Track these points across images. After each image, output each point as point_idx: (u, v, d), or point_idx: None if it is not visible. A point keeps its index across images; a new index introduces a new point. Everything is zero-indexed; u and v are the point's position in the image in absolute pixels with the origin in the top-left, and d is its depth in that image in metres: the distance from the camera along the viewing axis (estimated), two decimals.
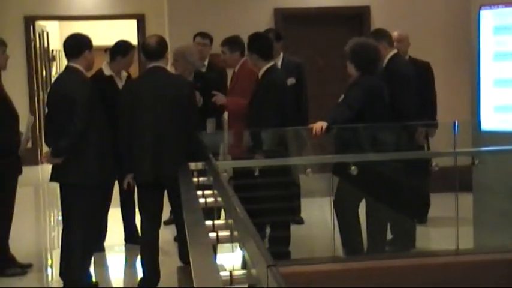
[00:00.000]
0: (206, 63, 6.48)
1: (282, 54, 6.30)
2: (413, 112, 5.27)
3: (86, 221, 4.56)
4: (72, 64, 4.61)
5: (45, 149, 5.45)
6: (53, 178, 4.63)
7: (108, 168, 4.67)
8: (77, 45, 4.65)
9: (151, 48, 4.71)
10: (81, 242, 4.56)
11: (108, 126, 4.65)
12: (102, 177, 4.62)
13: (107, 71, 5.66)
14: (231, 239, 2.50)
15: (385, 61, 5.37)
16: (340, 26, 7.86)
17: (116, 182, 5.27)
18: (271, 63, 5.25)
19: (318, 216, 5.72)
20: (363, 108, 4.67)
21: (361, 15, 7.87)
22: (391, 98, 4.98)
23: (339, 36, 7.69)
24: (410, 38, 6.26)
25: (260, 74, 5.24)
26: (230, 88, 5.90)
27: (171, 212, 6.48)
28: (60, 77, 4.85)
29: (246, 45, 5.42)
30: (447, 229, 5.04)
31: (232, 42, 5.76)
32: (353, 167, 4.57)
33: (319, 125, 4.64)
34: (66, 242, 4.72)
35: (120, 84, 5.63)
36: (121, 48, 5.68)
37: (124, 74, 5.81)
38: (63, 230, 4.79)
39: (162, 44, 4.75)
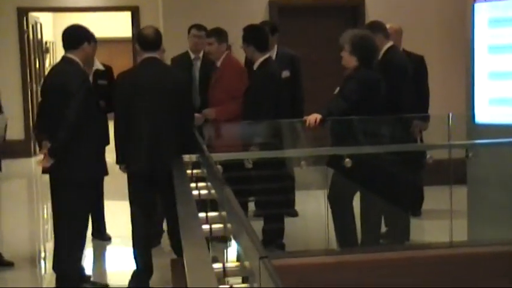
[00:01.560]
0: (201, 55, 6.46)
1: (276, 47, 6.28)
2: (412, 103, 5.28)
3: (76, 215, 4.52)
4: (69, 55, 4.54)
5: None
6: (44, 170, 4.60)
7: (100, 163, 4.65)
8: (76, 36, 4.58)
9: (150, 39, 4.65)
10: (71, 235, 4.53)
11: (102, 121, 4.64)
12: (93, 172, 4.60)
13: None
14: (224, 232, 2.49)
15: (381, 53, 5.36)
16: (335, 19, 7.84)
17: None
18: (266, 55, 5.25)
19: (312, 209, 5.72)
20: (359, 101, 4.67)
21: (356, 8, 7.85)
22: (388, 90, 4.97)
23: (334, 29, 7.65)
24: (405, 31, 6.23)
25: (256, 65, 5.23)
26: (213, 82, 5.74)
27: None
28: (56, 67, 4.78)
29: (242, 37, 5.38)
30: (441, 222, 5.05)
31: (220, 33, 5.68)
32: (347, 160, 4.56)
33: (314, 117, 4.64)
34: (56, 235, 4.70)
35: None
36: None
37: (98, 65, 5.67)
38: (54, 223, 4.76)
39: (158, 34, 4.73)
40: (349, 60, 4.76)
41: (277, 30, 6.32)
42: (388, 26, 5.88)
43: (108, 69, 5.79)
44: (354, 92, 4.67)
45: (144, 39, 4.66)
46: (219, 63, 5.63)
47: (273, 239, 5.25)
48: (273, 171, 5.17)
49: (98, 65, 5.64)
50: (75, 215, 4.51)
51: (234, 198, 2.22)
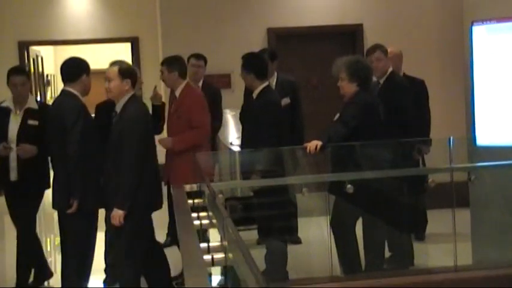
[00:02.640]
0: (200, 84, 6.48)
1: (276, 74, 6.31)
2: (417, 124, 5.31)
3: (82, 244, 4.53)
4: (67, 88, 4.58)
5: None
6: (54, 205, 4.63)
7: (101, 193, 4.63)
8: (74, 69, 4.61)
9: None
10: (79, 264, 4.54)
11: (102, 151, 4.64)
12: (96, 202, 4.60)
13: None
14: (225, 261, 2.48)
15: (384, 77, 5.43)
16: (334, 45, 7.88)
17: None
18: (266, 83, 5.27)
19: (315, 236, 5.68)
20: (359, 126, 4.67)
21: (354, 33, 7.89)
22: (394, 111, 5.02)
23: (333, 54, 7.66)
24: (404, 55, 6.27)
25: (255, 94, 5.24)
26: (171, 112, 5.60)
27: (167, 234, 6.44)
28: (55, 100, 4.82)
29: (242, 65, 5.38)
30: (445, 245, 5.02)
31: (170, 62, 5.56)
32: (349, 186, 4.55)
33: (314, 144, 4.63)
34: (63, 265, 4.70)
35: None
36: None
37: None
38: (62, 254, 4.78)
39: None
40: (349, 88, 4.76)
41: (276, 57, 6.35)
42: (388, 50, 5.93)
43: (42, 108, 5.30)
44: (353, 118, 4.68)
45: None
46: (177, 93, 5.53)
47: (276, 267, 5.22)
48: (274, 198, 5.16)
49: (31, 103, 5.19)
50: (81, 244, 4.50)
51: (235, 229, 2.22)
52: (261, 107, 5.15)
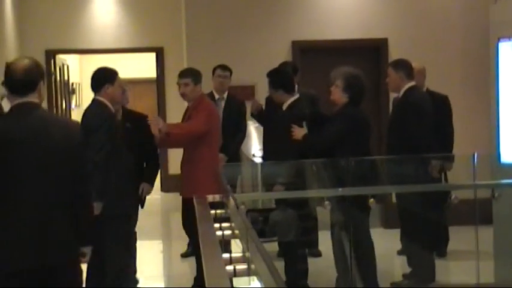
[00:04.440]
0: (225, 95, 6.52)
1: (297, 87, 6.32)
2: (427, 144, 5.25)
3: (111, 250, 4.56)
4: (97, 97, 4.69)
5: None
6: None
7: (129, 199, 4.69)
8: (98, 78, 4.69)
9: (18, 78, 3.26)
10: (115, 272, 4.58)
11: (128, 158, 4.66)
12: (122, 207, 4.60)
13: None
14: (248, 272, 2.48)
15: (401, 92, 5.39)
16: (358, 59, 7.86)
17: None
18: (296, 96, 5.33)
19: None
20: (344, 139, 4.79)
21: (378, 47, 7.89)
22: (404, 130, 5.02)
23: (358, 68, 7.71)
24: (428, 71, 6.25)
25: (285, 106, 5.29)
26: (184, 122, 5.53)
27: (188, 244, 6.46)
28: (85, 109, 4.84)
29: (268, 83, 5.41)
30: (467, 263, 4.99)
31: (196, 74, 5.41)
32: (371, 200, 4.55)
33: (301, 133, 4.96)
34: (95, 274, 4.70)
35: None
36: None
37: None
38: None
39: (31, 71, 3.28)
40: (340, 97, 4.90)
41: (298, 70, 6.38)
42: (412, 65, 5.91)
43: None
44: (338, 132, 4.83)
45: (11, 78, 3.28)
46: (190, 105, 5.42)
47: (296, 280, 5.21)
48: (296, 211, 5.17)
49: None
50: (111, 250, 4.54)
51: (258, 240, 2.22)
52: (290, 118, 5.17)
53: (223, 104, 6.48)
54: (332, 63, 8.16)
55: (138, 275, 5.76)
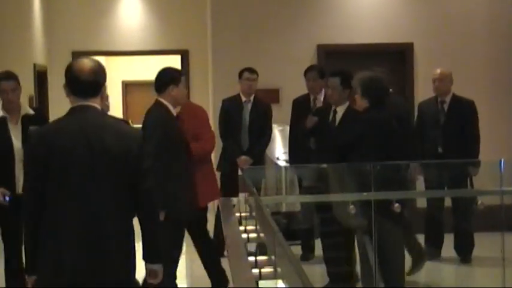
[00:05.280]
0: (252, 98, 6.53)
1: (323, 91, 6.32)
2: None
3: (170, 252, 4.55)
4: (158, 98, 4.59)
5: None
6: None
7: (183, 203, 4.55)
8: (161, 79, 4.58)
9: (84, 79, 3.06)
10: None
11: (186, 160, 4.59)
12: (178, 212, 4.54)
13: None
14: (274, 276, 2.49)
15: None
16: (383, 63, 7.80)
17: None
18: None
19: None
20: (358, 142, 4.76)
21: (404, 52, 7.85)
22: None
23: (377, 69, 7.68)
24: (454, 75, 6.23)
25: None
26: None
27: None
28: (147, 110, 4.73)
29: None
30: (492, 269, 4.95)
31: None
32: (396, 205, 4.53)
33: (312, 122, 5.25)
34: None
35: None
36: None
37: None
38: None
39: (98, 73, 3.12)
40: (361, 103, 4.85)
41: (324, 75, 6.37)
42: (437, 71, 5.91)
43: (38, 112, 5.12)
44: (353, 136, 4.80)
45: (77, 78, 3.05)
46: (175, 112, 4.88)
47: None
48: (320, 214, 5.17)
49: (26, 109, 4.92)
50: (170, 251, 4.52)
51: (285, 243, 2.23)
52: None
53: (249, 107, 6.49)
54: (357, 67, 8.14)
55: None
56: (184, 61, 10.28)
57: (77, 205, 2.89)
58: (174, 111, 4.58)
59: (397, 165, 4.77)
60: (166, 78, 4.57)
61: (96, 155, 2.91)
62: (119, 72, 14.15)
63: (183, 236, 4.70)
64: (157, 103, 4.57)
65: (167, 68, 4.70)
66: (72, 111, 3.04)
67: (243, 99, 6.49)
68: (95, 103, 3.04)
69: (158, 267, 3.13)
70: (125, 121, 4.96)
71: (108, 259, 2.90)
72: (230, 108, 6.47)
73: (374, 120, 4.79)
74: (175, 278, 4.76)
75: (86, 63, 3.06)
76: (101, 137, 2.94)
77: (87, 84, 3.01)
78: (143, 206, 3.04)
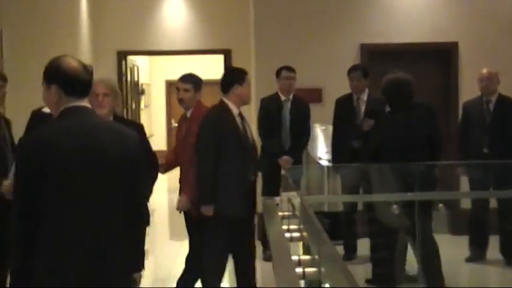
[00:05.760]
0: (291, 96, 6.53)
1: (367, 91, 6.30)
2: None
3: (212, 252, 4.66)
4: (222, 98, 4.67)
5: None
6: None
7: (235, 202, 4.61)
8: (227, 79, 4.67)
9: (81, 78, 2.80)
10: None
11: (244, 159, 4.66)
12: (229, 210, 4.61)
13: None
14: (318, 276, 2.49)
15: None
16: (427, 63, 7.77)
17: None
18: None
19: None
20: (383, 143, 4.89)
21: (449, 51, 7.76)
22: None
23: (426, 72, 7.61)
24: (500, 75, 6.16)
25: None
26: (184, 135, 4.93)
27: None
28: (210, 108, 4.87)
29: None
30: None
31: (198, 82, 4.97)
32: (440, 205, 4.51)
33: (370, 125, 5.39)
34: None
35: None
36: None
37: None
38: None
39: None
40: (386, 106, 4.90)
41: (368, 74, 6.35)
42: (484, 70, 5.85)
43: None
44: (376, 139, 4.96)
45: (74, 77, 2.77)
46: (188, 114, 4.96)
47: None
48: (363, 215, 5.16)
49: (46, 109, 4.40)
50: (211, 251, 4.63)
51: (330, 242, 2.23)
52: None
53: (289, 104, 6.48)
54: (401, 67, 8.09)
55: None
56: (227, 61, 10.33)
57: (81, 214, 2.63)
58: (238, 110, 4.64)
59: (440, 166, 4.73)
60: (230, 77, 4.67)
61: (98, 160, 2.66)
62: (163, 72, 14.31)
63: (232, 236, 4.66)
64: (219, 103, 4.67)
65: (232, 68, 4.83)
66: (68, 112, 2.72)
67: (282, 98, 6.47)
68: (86, 103, 2.79)
69: (138, 276, 3.01)
70: (137, 124, 4.96)
71: (110, 264, 2.69)
72: (270, 108, 6.47)
73: (391, 122, 4.80)
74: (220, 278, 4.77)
75: (73, 60, 2.79)
76: (100, 139, 2.69)
77: (86, 83, 2.78)
78: (133, 210, 2.80)
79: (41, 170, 2.59)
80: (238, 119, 4.65)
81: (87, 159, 2.65)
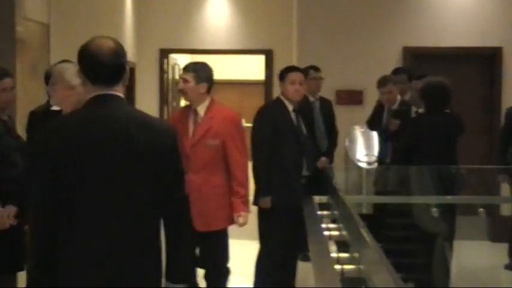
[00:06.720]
0: (318, 96, 6.51)
1: (409, 95, 6.26)
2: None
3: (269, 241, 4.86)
4: (280, 94, 5.10)
5: None
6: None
7: (289, 193, 4.82)
8: (280, 75, 5.08)
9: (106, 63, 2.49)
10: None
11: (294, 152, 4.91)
12: (282, 200, 4.82)
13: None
14: (358, 273, 2.51)
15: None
16: (471, 67, 7.69)
17: None
18: None
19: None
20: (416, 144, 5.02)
21: (492, 56, 7.67)
22: None
23: (469, 77, 7.54)
24: None
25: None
26: (198, 138, 4.30)
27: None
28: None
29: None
30: None
31: (200, 70, 4.37)
32: (481, 209, 4.48)
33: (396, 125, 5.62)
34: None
35: None
36: None
37: None
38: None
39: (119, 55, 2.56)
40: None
41: (412, 77, 6.31)
42: None
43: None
44: (406, 139, 5.17)
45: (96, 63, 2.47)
46: (202, 112, 4.35)
47: None
48: (398, 219, 5.14)
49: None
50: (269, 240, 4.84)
51: (372, 239, 2.24)
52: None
53: (318, 104, 6.44)
54: (443, 71, 8.06)
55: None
56: (268, 61, 10.36)
57: (97, 212, 2.38)
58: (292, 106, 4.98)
59: (481, 170, 4.69)
60: (280, 75, 5.08)
61: (124, 156, 2.39)
62: None
63: (286, 226, 4.81)
64: (275, 99, 5.20)
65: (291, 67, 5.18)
66: (94, 101, 2.44)
67: (311, 99, 6.42)
68: (119, 92, 2.46)
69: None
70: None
71: (133, 271, 2.42)
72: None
73: (420, 124, 4.90)
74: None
75: (104, 42, 2.47)
76: (128, 133, 2.39)
77: (110, 68, 2.44)
78: (173, 216, 2.53)
79: (55, 166, 2.36)
80: (293, 115, 5.01)
81: (105, 152, 2.37)
